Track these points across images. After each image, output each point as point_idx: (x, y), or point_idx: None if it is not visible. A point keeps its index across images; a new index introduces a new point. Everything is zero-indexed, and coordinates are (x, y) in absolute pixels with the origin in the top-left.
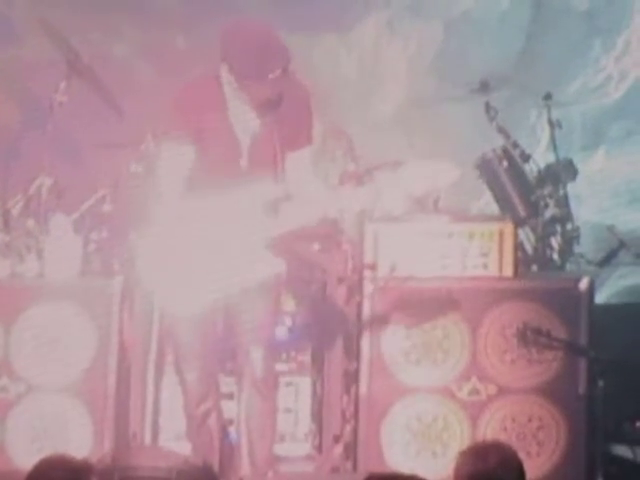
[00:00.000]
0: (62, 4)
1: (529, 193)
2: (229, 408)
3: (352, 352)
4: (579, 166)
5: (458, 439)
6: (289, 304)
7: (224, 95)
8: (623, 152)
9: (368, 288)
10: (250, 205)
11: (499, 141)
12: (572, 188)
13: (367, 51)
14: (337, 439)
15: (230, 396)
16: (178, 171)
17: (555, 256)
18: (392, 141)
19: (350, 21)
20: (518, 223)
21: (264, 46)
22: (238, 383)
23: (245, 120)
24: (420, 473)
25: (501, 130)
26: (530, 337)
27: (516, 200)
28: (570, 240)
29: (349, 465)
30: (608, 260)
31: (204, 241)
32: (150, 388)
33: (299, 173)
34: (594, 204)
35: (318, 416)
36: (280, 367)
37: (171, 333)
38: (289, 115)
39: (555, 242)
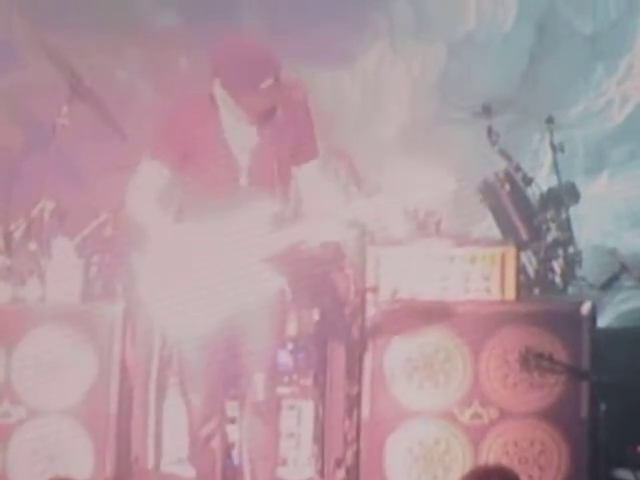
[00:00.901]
0: (64, 27)
1: (531, 217)
2: (231, 432)
3: (354, 375)
4: (581, 189)
5: (460, 463)
6: (291, 328)
7: (218, 113)
8: (626, 175)
9: (370, 311)
10: (253, 225)
11: (501, 164)
12: (574, 211)
13: (370, 74)
14: (339, 463)
15: (232, 420)
16: (150, 191)
17: (557, 279)
18: (394, 163)
19: (354, 47)
20: (520, 247)
21: (253, 56)
22: (240, 407)
23: (242, 138)
24: None
25: (503, 153)
26: (532, 361)
27: (518, 224)
28: (572, 264)
29: None
30: (610, 284)
31: (206, 263)
32: (152, 411)
33: (309, 187)
34: (596, 227)
35: (320, 440)
36: (282, 391)
37: (177, 353)
38: (289, 129)
39: (557, 265)
